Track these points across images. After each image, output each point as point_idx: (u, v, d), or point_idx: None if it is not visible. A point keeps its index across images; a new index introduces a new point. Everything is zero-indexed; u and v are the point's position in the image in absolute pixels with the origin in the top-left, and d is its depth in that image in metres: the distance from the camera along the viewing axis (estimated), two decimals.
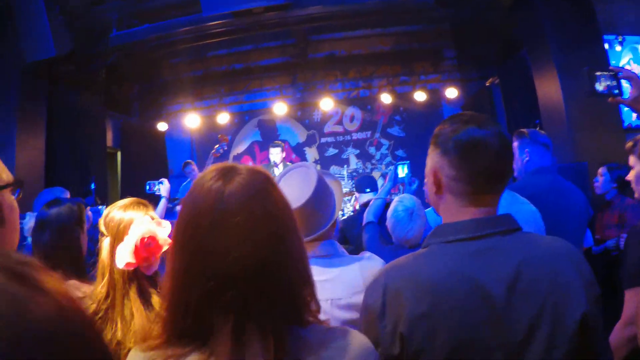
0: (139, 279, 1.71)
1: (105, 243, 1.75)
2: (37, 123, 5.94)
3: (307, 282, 1.02)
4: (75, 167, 6.80)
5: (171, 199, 5.50)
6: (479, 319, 1.19)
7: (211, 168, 1.02)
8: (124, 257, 1.65)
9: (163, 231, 1.73)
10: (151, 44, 6.89)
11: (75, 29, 5.65)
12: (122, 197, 1.90)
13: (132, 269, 1.68)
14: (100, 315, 1.68)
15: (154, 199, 3.68)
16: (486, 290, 1.21)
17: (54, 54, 5.24)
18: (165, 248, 1.71)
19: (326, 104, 9.40)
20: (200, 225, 0.95)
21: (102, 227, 1.78)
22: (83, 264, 2.33)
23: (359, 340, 1.03)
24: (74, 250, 2.30)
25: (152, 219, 1.77)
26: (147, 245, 1.67)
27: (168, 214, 4.44)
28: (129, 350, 1.60)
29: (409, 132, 10.07)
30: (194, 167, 7.22)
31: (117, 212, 1.78)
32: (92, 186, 6.42)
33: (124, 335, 1.63)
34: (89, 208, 5.01)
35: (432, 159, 1.38)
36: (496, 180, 1.33)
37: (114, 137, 9.00)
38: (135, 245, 1.66)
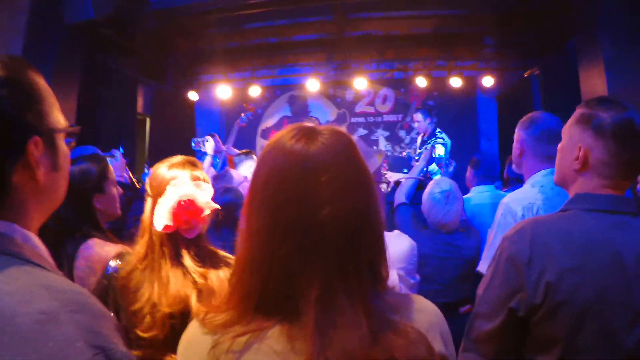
0: (178, 242, 1.66)
1: (148, 202, 1.71)
2: (71, 84, 5.91)
3: (383, 248, 1.00)
4: (106, 130, 6.80)
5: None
6: (615, 281, 1.34)
7: (289, 128, 0.99)
8: (162, 219, 1.60)
9: (203, 194, 1.66)
10: (190, 11, 6.81)
11: None
12: (148, 167, 1.84)
13: (170, 231, 1.63)
14: (136, 275, 1.65)
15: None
16: (622, 258, 1.35)
17: (93, 17, 5.21)
18: (207, 212, 1.65)
19: (360, 83, 9.25)
20: (285, 184, 0.92)
21: (147, 186, 1.74)
22: (101, 225, 2.30)
23: (432, 305, 1.04)
24: (89, 214, 2.27)
25: (198, 179, 1.70)
26: (185, 208, 1.60)
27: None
28: (163, 315, 1.58)
29: (441, 118, 9.88)
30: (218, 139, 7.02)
31: (162, 170, 1.73)
32: (121, 150, 6.43)
33: (159, 297, 1.59)
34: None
35: (582, 137, 1.51)
36: (638, 169, 1.52)
37: (145, 104, 8.99)
38: (173, 208, 1.60)
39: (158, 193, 1.67)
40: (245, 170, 4.87)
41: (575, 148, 1.53)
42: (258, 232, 0.93)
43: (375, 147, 10.12)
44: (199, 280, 1.61)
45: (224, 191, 3.20)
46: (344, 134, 1.00)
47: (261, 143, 10.45)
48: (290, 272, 0.90)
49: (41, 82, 0.96)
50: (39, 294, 0.75)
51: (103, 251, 2.11)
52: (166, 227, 1.60)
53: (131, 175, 5.69)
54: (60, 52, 5.55)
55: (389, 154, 9.96)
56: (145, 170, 6.77)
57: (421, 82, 9.17)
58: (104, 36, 6.23)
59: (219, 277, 1.65)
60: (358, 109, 10.32)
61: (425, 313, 0.99)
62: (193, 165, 1.76)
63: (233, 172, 4.72)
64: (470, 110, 9.97)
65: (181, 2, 6.16)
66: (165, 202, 1.62)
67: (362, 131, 10.24)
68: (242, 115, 7.04)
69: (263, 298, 0.91)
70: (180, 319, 1.58)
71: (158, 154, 7.00)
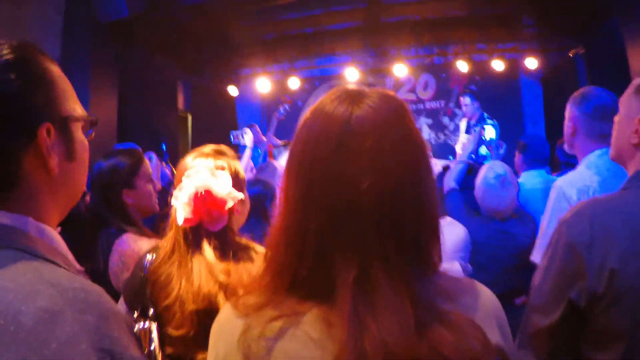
0: (200, 236, 1.58)
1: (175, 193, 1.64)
2: (110, 84, 5.98)
3: (436, 230, 0.89)
4: (147, 128, 6.86)
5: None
6: None
7: (333, 90, 0.90)
8: (182, 212, 1.54)
9: (220, 185, 1.57)
10: (223, 2, 6.79)
11: None
12: None
13: (192, 225, 1.56)
14: (165, 269, 1.59)
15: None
16: None
17: (127, 14, 5.23)
18: (230, 203, 1.56)
19: (399, 70, 9.06)
20: (323, 150, 0.83)
21: (175, 176, 1.68)
22: (135, 220, 2.28)
23: (488, 290, 0.93)
24: (119, 209, 2.25)
25: (222, 168, 1.62)
26: (202, 200, 1.52)
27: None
28: (190, 312, 1.49)
29: (485, 104, 9.61)
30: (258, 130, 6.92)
31: (187, 160, 1.66)
32: (163, 147, 6.47)
33: (185, 293, 1.53)
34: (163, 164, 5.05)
35: None
36: None
37: (185, 101, 9.05)
38: (190, 200, 1.52)
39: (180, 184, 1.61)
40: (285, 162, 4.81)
41: (634, 120, 1.41)
42: (293, 202, 0.86)
43: None
44: (221, 277, 1.53)
45: (253, 182, 3.19)
46: (394, 97, 0.91)
47: None
48: (326, 248, 0.81)
49: (54, 68, 0.91)
50: (44, 291, 0.71)
51: (136, 246, 2.10)
52: (187, 220, 1.54)
53: (174, 172, 5.72)
54: (96, 52, 5.60)
55: (433, 142, 9.76)
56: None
57: (462, 66, 8.93)
58: (139, 34, 6.27)
59: (249, 272, 1.56)
60: (399, 97, 10.13)
61: (481, 300, 0.88)
62: (220, 153, 1.69)
63: (276, 163, 4.67)
64: (514, 94, 9.67)
65: None
66: (181, 194, 1.55)
67: None
68: (280, 108, 6.96)
69: (297, 277, 0.83)
70: (207, 315, 1.48)
71: None
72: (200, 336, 1.48)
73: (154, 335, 1.53)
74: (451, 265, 2.63)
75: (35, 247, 0.80)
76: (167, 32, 7.02)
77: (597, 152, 2.18)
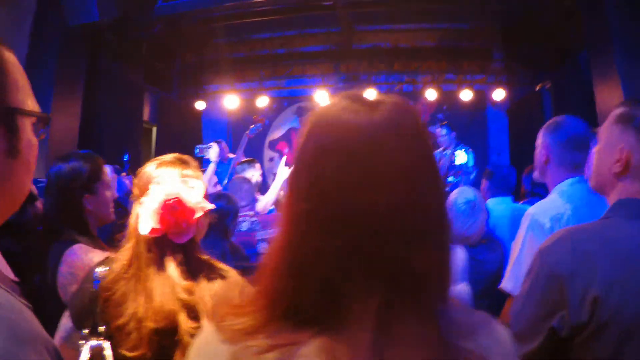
0: (164, 248, 1.46)
1: (135, 204, 1.52)
2: (75, 89, 5.82)
3: (449, 252, 0.79)
4: (110, 138, 6.69)
5: None
6: None
7: (339, 97, 0.78)
8: (148, 221, 1.41)
9: (193, 193, 1.47)
10: (196, 16, 6.73)
11: None
12: None
13: (157, 235, 1.43)
14: (120, 285, 1.45)
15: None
16: None
17: (97, 19, 5.11)
18: (199, 213, 1.46)
19: (369, 95, 9.06)
20: (338, 164, 0.71)
21: (133, 186, 1.56)
22: (91, 229, 2.14)
23: (504, 329, 0.83)
24: (78, 215, 2.10)
25: (188, 177, 1.52)
26: (172, 208, 1.41)
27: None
28: (149, 331, 1.36)
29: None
30: (224, 147, 6.70)
31: (149, 168, 1.54)
32: (126, 157, 6.31)
33: (145, 311, 1.40)
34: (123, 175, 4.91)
35: (623, 138, 1.39)
36: None
37: (151, 113, 8.91)
38: (159, 209, 1.41)
39: (143, 193, 1.48)
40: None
41: (615, 150, 1.40)
42: (301, 224, 0.74)
43: None
44: (182, 295, 1.42)
45: (217, 197, 3.10)
46: (410, 106, 0.80)
47: (269, 154, 10.34)
48: (338, 272, 0.71)
49: (8, 55, 0.81)
50: None
51: (87, 257, 1.95)
52: (153, 230, 1.42)
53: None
54: (64, 55, 5.46)
55: None
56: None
57: (431, 94, 9.03)
58: (109, 41, 6.15)
59: (211, 292, 1.46)
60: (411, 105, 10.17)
61: (499, 340, 0.79)
62: (184, 163, 1.57)
63: (245, 180, 4.56)
64: (481, 124, 9.83)
65: (187, 7, 6.06)
66: (149, 202, 1.43)
67: None
68: (251, 126, 6.90)
69: (296, 303, 0.73)
70: (168, 336, 1.39)
71: None
72: (157, 358, 1.38)
73: (108, 353, 1.40)
74: (460, 287, 2.61)
75: None
76: (137, 42, 6.92)
77: (569, 180, 2.17)
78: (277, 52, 9.36)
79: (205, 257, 1.56)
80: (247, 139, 6.74)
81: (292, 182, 0.78)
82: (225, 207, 2.99)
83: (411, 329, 0.69)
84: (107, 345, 1.40)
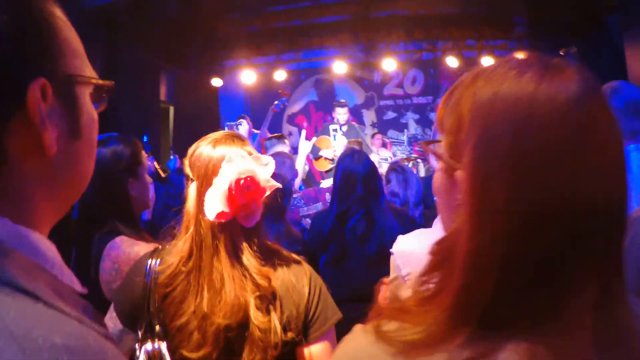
0: (234, 234, 1.33)
1: (191, 188, 1.38)
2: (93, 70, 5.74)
3: None
4: (128, 119, 6.61)
5: None
6: None
7: (510, 62, 0.65)
8: (215, 205, 1.28)
9: (265, 170, 1.35)
10: None
11: None
12: (174, 153, 1.53)
13: (225, 220, 1.30)
14: (180, 280, 1.32)
15: None
16: None
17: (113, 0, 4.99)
18: (268, 192, 1.34)
19: (388, 64, 8.90)
20: (554, 146, 0.59)
21: (187, 169, 1.40)
22: (136, 218, 1.99)
23: None
24: (123, 202, 1.94)
25: (250, 154, 1.38)
26: (245, 188, 1.28)
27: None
28: (217, 328, 1.24)
29: None
30: (249, 122, 6.51)
31: (205, 147, 1.38)
32: (145, 139, 6.24)
33: (211, 306, 1.28)
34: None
35: None
36: None
37: (167, 92, 8.82)
38: (230, 189, 1.27)
39: (206, 175, 1.34)
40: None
41: None
42: (500, 215, 0.61)
43: (406, 131, 9.81)
44: (262, 282, 1.30)
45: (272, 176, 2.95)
46: (594, 78, 0.66)
47: (287, 129, 10.22)
48: (556, 267, 0.60)
49: (61, 15, 0.66)
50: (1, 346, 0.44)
51: (133, 251, 1.79)
52: (220, 214, 1.28)
53: (156, 165, 5.50)
54: (80, 37, 5.35)
55: (419, 137, 9.65)
56: (171, 157, 6.56)
57: (452, 62, 8.83)
58: (124, 22, 6.03)
59: (284, 281, 1.35)
60: (386, 92, 10.03)
61: None
62: (241, 140, 1.43)
63: (287, 154, 4.42)
64: None
65: None
66: (220, 182, 1.29)
67: (391, 114, 9.98)
68: (276, 102, 6.76)
69: (498, 305, 0.61)
70: (237, 331, 1.28)
71: (183, 143, 6.89)
72: (222, 357, 1.27)
73: (167, 358, 1.29)
74: None
75: (3, 267, 0.52)
76: (151, 21, 6.79)
77: (629, 147, 2.06)
78: (294, 24, 9.16)
79: (271, 243, 1.45)
80: (272, 114, 6.60)
81: (483, 176, 0.64)
82: (282, 187, 2.84)
83: (630, 323, 0.61)
84: (164, 347, 1.29)
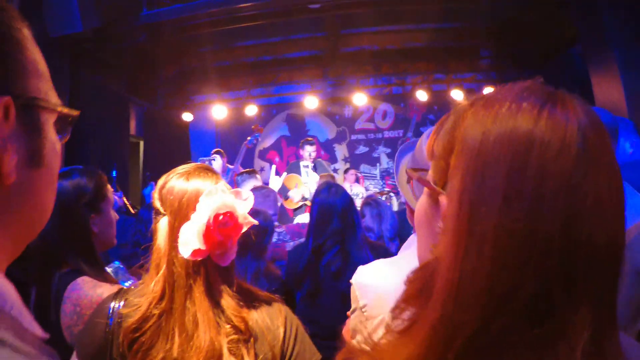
0: (210, 273, 1.25)
1: (161, 224, 1.28)
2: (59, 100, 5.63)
3: None
4: (96, 153, 6.48)
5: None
6: None
7: (509, 94, 0.65)
8: (191, 242, 1.18)
9: (243, 205, 1.27)
10: (180, 24, 6.54)
11: (104, 4, 5.24)
12: (143, 188, 1.45)
13: (201, 258, 1.21)
14: (150, 324, 1.22)
15: None
16: None
17: (81, 30, 4.88)
18: (245, 229, 1.26)
19: (358, 99, 8.98)
20: (560, 168, 0.56)
21: (156, 203, 1.30)
22: (97, 256, 1.85)
23: None
24: (85, 239, 1.81)
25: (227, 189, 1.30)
26: (222, 224, 1.19)
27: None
28: None
29: None
30: (223, 157, 6.40)
31: (177, 181, 1.29)
32: (114, 173, 6.12)
33: (182, 352, 1.18)
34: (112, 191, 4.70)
35: None
36: None
37: (137, 126, 8.72)
38: (208, 225, 1.19)
39: (180, 209, 1.25)
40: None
41: None
42: (488, 245, 0.58)
43: (378, 165, 9.84)
44: (239, 325, 1.21)
45: (253, 213, 2.84)
46: (595, 113, 0.64)
47: (260, 164, 10.17)
48: (546, 307, 0.56)
49: (28, 35, 0.62)
50: None
51: (95, 293, 1.69)
52: (196, 252, 1.19)
53: (125, 201, 5.38)
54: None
55: (391, 171, 9.70)
56: (148, 184, 6.43)
57: (421, 95, 8.93)
58: (91, 52, 5.94)
59: (259, 322, 1.27)
60: (358, 126, 10.08)
61: None
62: (215, 173, 1.35)
63: (271, 188, 4.34)
64: None
65: (171, 15, 5.87)
66: (197, 217, 1.21)
67: (363, 148, 10.01)
68: (249, 137, 6.75)
69: (484, 333, 0.57)
70: None
71: (153, 177, 6.76)
72: None
73: None
74: None
75: None
76: (120, 53, 6.72)
77: None
78: (263, 59, 9.19)
79: (243, 283, 1.36)
80: (246, 149, 6.56)
81: (472, 199, 0.60)
82: (262, 225, 2.65)
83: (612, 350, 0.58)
84: None
